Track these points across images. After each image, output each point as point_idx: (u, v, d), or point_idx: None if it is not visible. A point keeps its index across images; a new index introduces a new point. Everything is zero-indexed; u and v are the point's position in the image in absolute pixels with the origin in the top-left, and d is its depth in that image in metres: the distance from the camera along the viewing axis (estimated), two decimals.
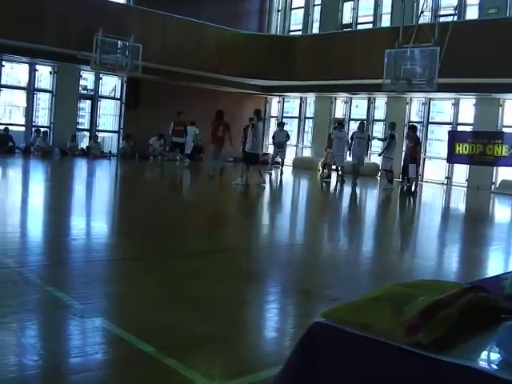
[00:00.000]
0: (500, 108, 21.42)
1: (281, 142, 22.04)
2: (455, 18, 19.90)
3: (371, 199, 17.95)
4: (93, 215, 10.09)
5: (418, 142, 18.63)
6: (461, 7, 21.44)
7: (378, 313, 1.62)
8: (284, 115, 29.62)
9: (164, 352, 3.65)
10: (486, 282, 2.24)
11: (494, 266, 7.78)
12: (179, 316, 4.47)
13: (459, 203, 19.12)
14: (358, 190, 18.12)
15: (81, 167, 20.68)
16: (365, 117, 25.06)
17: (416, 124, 20.94)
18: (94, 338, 3.94)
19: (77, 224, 8.85)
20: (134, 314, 4.51)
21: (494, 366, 1.51)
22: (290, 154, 25.39)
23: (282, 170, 21.74)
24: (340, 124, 20.97)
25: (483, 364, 1.54)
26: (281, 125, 23.28)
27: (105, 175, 19.71)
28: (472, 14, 21.85)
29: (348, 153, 19.67)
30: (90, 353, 3.64)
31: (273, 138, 22.89)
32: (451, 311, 1.54)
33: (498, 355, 1.51)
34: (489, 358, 1.56)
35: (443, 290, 1.66)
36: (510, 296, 1.84)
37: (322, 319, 1.72)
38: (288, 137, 22.78)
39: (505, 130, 20.74)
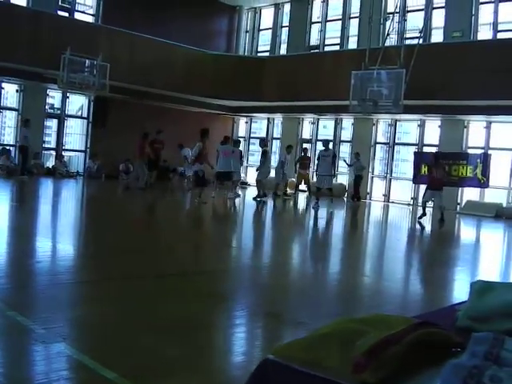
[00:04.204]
0: (465, 129, 21.81)
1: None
2: (421, 41, 20.27)
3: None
4: (57, 237, 9.96)
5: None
6: (426, 30, 21.85)
7: (327, 350, 1.59)
8: (251, 135, 29.70)
9: (126, 378, 3.60)
10: (439, 313, 2.24)
11: (459, 287, 7.86)
12: (144, 341, 4.40)
13: (425, 224, 19.26)
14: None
15: (46, 187, 20.44)
16: (332, 137, 25.26)
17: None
18: (55, 364, 3.86)
19: (41, 246, 8.70)
20: (97, 339, 4.45)
21: None
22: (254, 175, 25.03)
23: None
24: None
25: None
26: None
27: (70, 195, 19.53)
28: (437, 37, 22.28)
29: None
30: (52, 379, 3.56)
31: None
32: (399, 348, 1.52)
33: None
34: None
35: (393, 326, 1.64)
36: (462, 328, 1.84)
37: (271, 356, 1.70)
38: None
39: (469, 151, 21.13)
